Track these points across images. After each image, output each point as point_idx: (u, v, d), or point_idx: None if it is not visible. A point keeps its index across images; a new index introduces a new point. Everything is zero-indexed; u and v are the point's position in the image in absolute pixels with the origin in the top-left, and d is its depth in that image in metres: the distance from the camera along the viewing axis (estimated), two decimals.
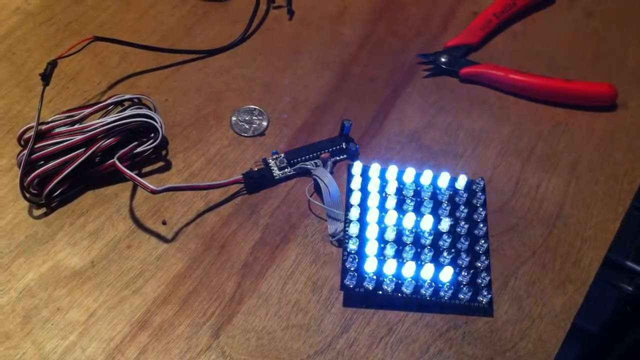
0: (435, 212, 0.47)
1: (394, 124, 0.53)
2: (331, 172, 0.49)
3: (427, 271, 0.44)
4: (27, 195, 0.46)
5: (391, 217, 0.46)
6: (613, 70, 0.58)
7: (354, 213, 0.46)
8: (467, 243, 0.46)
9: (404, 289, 0.43)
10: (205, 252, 0.46)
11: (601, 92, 0.55)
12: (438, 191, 0.49)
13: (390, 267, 0.44)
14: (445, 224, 0.47)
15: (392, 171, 0.48)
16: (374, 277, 0.43)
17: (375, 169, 0.49)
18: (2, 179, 0.48)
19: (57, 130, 0.47)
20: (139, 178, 0.44)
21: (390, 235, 0.45)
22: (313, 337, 0.42)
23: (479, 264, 0.45)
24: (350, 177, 0.49)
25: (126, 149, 0.47)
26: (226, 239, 0.46)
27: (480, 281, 0.44)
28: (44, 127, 0.46)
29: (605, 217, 0.49)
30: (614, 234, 0.48)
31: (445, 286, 0.43)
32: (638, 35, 0.61)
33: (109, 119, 0.47)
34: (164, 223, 0.47)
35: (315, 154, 0.50)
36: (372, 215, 0.46)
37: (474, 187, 0.49)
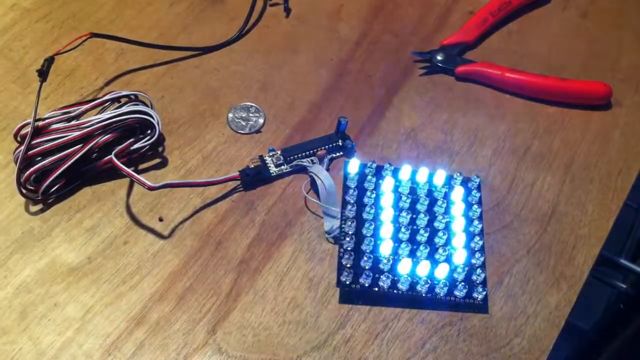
0: (431, 210, 0.48)
1: (390, 122, 0.54)
2: (327, 169, 0.49)
3: (423, 268, 0.44)
4: (24, 191, 0.46)
5: (387, 214, 0.46)
6: (607, 70, 0.59)
7: (350, 210, 0.46)
8: (462, 240, 0.46)
9: (400, 285, 0.44)
10: (202, 249, 0.46)
11: (596, 91, 0.55)
12: (434, 189, 0.49)
13: (386, 264, 0.44)
14: (440, 221, 0.47)
15: (388, 169, 0.49)
16: (370, 273, 0.43)
17: (371, 166, 0.49)
18: None
19: (54, 126, 0.47)
20: (135, 174, 0.44)
21: (386, 232, 0.46)
22: (309, 333, 0.42)
23: (474, 261, 0.46)
24: (346, 174, 0.49)
25: (123, 145, 0.48)
26: (222, 235, 0.46)
27: (475, 278, 0.45)
28: (40, 123, 0.46)
29: (600, 215, 0.49)
30: (608, 231, 0.49)
31: (440, 283, 0.44)
32: (631, 35, 0.62)
33: (105, 115, 0.47)
34: (161, 220, 0.47)
35: (311, 151, 0.50)
36: (368, 213, 0.46)
37: (469, 184, 0.49)
